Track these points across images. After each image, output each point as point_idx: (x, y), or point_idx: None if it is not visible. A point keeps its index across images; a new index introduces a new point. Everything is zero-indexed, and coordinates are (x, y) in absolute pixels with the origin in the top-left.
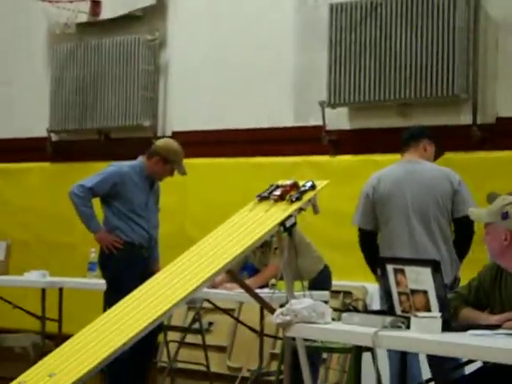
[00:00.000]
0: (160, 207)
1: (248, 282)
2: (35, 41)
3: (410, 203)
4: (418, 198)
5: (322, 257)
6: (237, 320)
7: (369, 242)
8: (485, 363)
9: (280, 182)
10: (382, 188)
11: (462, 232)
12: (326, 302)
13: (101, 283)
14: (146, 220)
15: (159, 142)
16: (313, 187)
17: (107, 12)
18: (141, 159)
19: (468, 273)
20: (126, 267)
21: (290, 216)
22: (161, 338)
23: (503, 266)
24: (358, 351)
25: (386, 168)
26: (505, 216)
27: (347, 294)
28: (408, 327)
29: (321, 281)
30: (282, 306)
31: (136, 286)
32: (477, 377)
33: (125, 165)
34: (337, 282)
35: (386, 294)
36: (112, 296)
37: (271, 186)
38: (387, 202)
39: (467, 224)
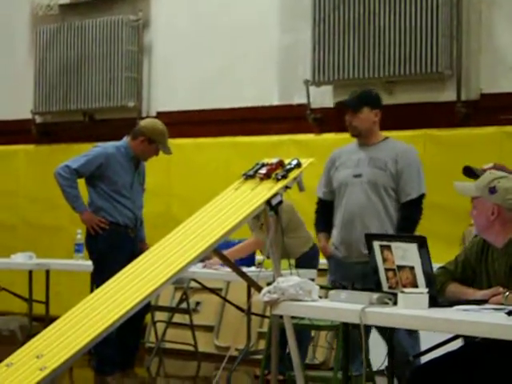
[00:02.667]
0: (145, 187)
1: (226, 252)
2: (18, 23)
3: None
4: None
5: (311, 239)
6: (224, 299)
7: None
8: (466, 342)
9: (266, 161)
10: None
11: None
12: (312, 280)
13: (87, 264)
14: (131, 201)
15: (143, 122)
16: (298, 165)
17: None
18: (126, 139)
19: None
20: (112, 247)
21: (275, 194)
22: (148, 318)
23: (489, 240)
24: (345, 328)
25: None
26: (492, 190)
27: None
28: (395, 303)
29: (308, 259)
30: (269, 284)
31: (123, 266)
32: (456, 356)
33: (110, 146)
34: (323, 260)
35: (373, 270)
36: (99, 276)
37: (257, 164)
38: None
39: None
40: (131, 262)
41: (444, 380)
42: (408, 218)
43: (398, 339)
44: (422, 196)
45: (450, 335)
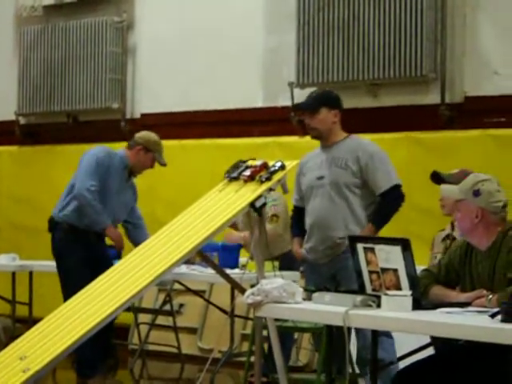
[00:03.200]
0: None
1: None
2: (2, 24)
3: None
4: None
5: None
6: (207, 301)
7: None
8: (438, 348)
9: (250, 163)
10: None
11: None
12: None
13: None
14: (108, 207)
15: (139, 134)
16: (282, 167)
17: None
18: (122, 150)
19: None
20: (65, 250)
21: (259, 196)
22: (131, 320)
23: (473, 243)
24: (329, 331)
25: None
26: (476, 193)
27: None
28: (379, 306)
29: (289, 260)
30: (252, 286)
31: (77, 270)
32: (440, 359)
33: (104, 148)
34: None
35: (357, 272)
36: (59, 276)
37: (240, 161)
38: None
39: None
40: (88, 266)
41: (428, 382)
42: (378, 211)
43: (369, 344)
44: (395, 187)
45: (428, 340)
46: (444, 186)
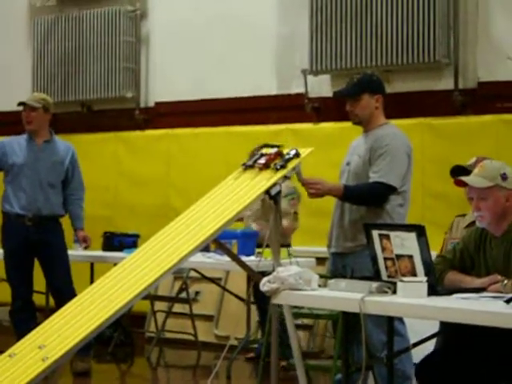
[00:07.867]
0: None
1: None
2: (16, 14)
3: None
4: None
5: None
6: (224, 289)
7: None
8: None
9: (264, 151)
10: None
11: None
12: None
13: (87, 255)
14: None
15: None
16: (297, 155)
17: None
18: None
19: None
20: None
21: (274, 184)
22: (148, 308)
23: (491, 229)
24: (345, 317)
25: (397, 128)
26: (504, 177)
27: None
28: (394, 292)
29: None
30: (267, 273)
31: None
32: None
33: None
34: (322, 249)
35: (372, 259)
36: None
37: (255, 150)
38: (410, 165)
39: None
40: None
41: (451, 370)
42: (358, 185)
43: (368, 332)
44: (384, 185)
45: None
46: (469, 178)
